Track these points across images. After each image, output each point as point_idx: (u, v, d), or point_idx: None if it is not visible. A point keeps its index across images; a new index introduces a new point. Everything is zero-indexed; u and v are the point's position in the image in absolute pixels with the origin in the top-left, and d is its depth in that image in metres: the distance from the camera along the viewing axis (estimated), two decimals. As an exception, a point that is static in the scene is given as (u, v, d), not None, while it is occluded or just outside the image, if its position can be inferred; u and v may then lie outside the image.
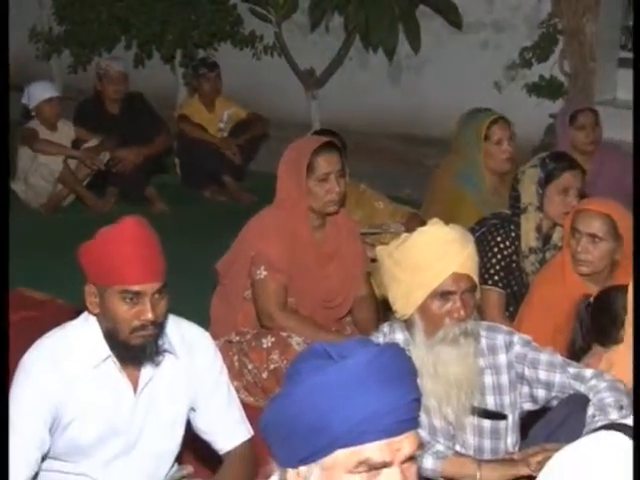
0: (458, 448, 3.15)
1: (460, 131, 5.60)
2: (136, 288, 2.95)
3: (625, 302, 3.58)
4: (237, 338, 4.38)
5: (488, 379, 3.24)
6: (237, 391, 3.82)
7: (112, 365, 3.06)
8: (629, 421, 2.43)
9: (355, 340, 2.00)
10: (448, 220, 3.34)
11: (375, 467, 1.89)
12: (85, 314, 3.10)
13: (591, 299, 3.90)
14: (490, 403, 3.23)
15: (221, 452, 3.25)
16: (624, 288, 3.65)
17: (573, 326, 3.93)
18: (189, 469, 3.36)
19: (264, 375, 4.24)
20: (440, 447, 3.01)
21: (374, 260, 3.53)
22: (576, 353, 3.72)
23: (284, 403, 1.94)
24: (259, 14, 8.66)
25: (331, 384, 1.88)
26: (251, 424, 3.22)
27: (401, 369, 1.94)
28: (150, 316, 2.96)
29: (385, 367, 1.91)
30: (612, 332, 3.75)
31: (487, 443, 3.22)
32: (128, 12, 8.55)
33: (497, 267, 4.56)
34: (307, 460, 1.91)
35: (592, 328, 3.85)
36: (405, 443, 1.90)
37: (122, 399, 3.08)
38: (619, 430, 2.38)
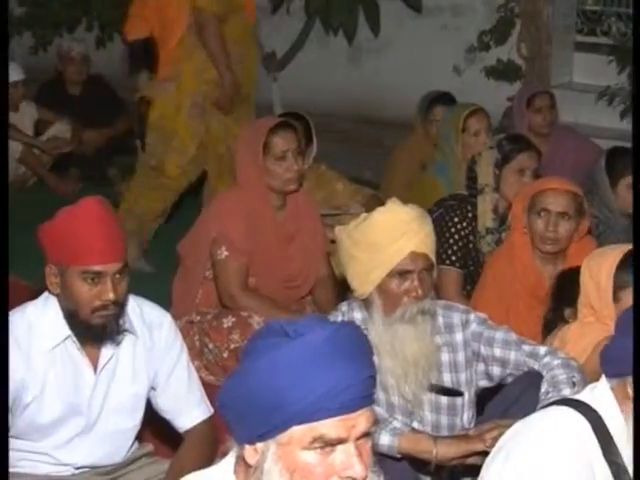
0: (415, 425, 3.17)
1: (441, 124, 5.63)
2: (97, 268, 2.94)
3: (577, 282, 3.62)
4: (198, 318, 4.37)
5: (445, 357, 3.25)
6: (198, 370, 3.83)
7: (72, 345, 3.05)
8: (580, 397, 2.46)
9: (312, 318, 2.00)
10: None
11: (330, 443, 1.89)
12: (45, 294, 3.08)
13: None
14: (447, 380, 3.25)
15: (181, 430, 3.25)
16: (578, 269, 3.70)
17: (548, 301, 3.96)
18: (149, 447, 3.36)
19: (225, 355, 4.24)
20: (397, 424, 3.02)
21: (334, 241, 3.53)
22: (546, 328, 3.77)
23: (241, 380, 1.94)
24: (220, -4, 8.61)
25: (287, 361, 1.89)
26: (212, 403, 3.22)
27: (357, 347, 1.94)
28: (111, 296, 2.96)
29: (341, 345, 1.91)
30: (560, 311, 3.81)
31: (444, 419, 3.24)
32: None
33: (454, 247, 4.58)
34: (264, 436, 1.91)
35: (554, 306, 3.90)
36: (360, 420, 1.91)
37: (82, 378, 3.07)
38: (570, 405, 2.42)
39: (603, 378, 2.42)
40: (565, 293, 3.81)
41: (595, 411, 2.36)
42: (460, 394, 3.25)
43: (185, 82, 5.72)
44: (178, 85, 5.74)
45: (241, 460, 1.98)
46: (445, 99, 6.02)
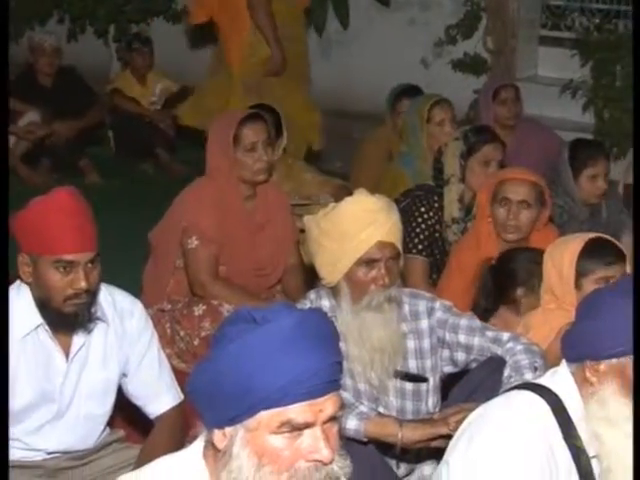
0: (381, 410, 3.17)
1: (406, 114, 5.65)
2: (69, 257, 2.95)
3: (526, 263, 3.65)
4: (169, 306, 4.36)
5: (410, 343, 3.26)
6: (169, 358, 3.83)
7: (44, 333, 3.05)
8: (541, 381, 2.48)
9: (279, 305, 2.00)
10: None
11: (298, 428, 1.90)
12: (17, 282, 3.07)
13: (493, 262, 3.98)
14: (412, 367, 3.26)
15: (152, 416, 3.26)
16: (524, 250, 3.73)
17: (476, 289, 4.00)
18: (120, 433, 3.35)
19: (195, 342, 4.23)
20: (364, 408, 3.03)
21: (303, 231, 3.53)
22: (480, 314, 3.77)
23: (210, 366, 1.95)
24: (191, -11, 8.61)
25: (255, 347, 1.89)
26: (182, 389, 3.22)
27: (323, 333, 1.95)
28: (83, 285, 2.96)
29: (308, 331, 1.92)
30: (510, 292, 3.84)
31: (409, 405, 3.25)
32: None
33: (421, 236, 4.59)
34: (232, 421, 1.91)
35: (493, 290, 3.93)
36: (327, 404, 1.92)
37: (54, 366, 3.07)
38: (531, 389, 2.44)
39: (563, 363, 2.44)
40: (510, 274, 3.84)
41: (555, 395, 2.38)
42: (425, 380, 3.26)
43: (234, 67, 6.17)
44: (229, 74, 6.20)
45: (210, 444, 1.99)
46: (413, 92, 6.03)
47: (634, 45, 4.26)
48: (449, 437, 2.63)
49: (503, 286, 3.89)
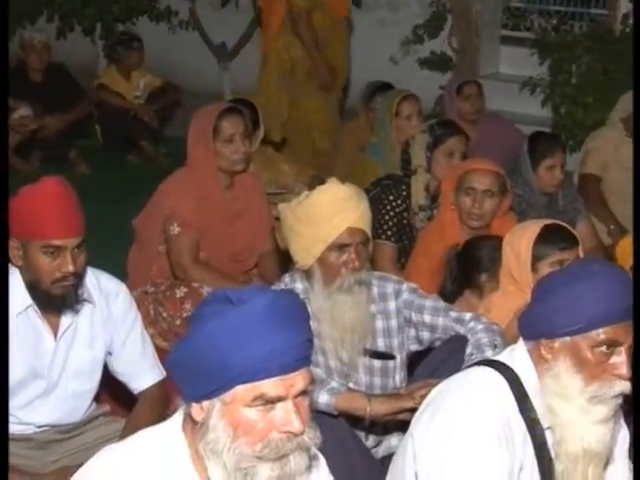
0: (351, 385, 3.17)
1: (375, 108, 5.66)
2: (57, 242, 2.94)
3: (489, 251, 3.66)
4: (152, 289, 4.35)
5: (379, 323, 3.26)
6: (153, 337, 3.83)
7: (34, 313, 3.04)
8: (500, 358, 2.49)
9: (254, 287, 2.01)
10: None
11: (271, 401, 1.90)
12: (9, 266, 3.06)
13: (459, 248, 3.99)
14: (380, 345, 3.26)
15: (136, 392, 3.26)
16: (489, 238, 3.74)
17: (443, 273, 4.01)
18: (106, 408, 3.35)
19: (177, 322, 4.22)
20: (334, 384, 3.03)
21: (278, 218, 3.53)
22: (447, 298, 3.78)
23: (189, 344, 1.95)
24: (174, -10, 8.60)
25: (231, 326, 1.89)
26: (165, 367, 3.21)
27: (295, 313, 1.95)
28: (70, 268, 2.95)
29: (280, 311, 1.92)
30: (475, 277, 3.85)
31: (377, 381, 3.25)
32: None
33: (390, 223, 4.60)
34: (209, 395, 1.92)
35: (459, 274, 3.94)
36: (298, 379, 1.92)
37: (43, 345, 3.07)
38: (491, 366, 2.45)
39: (520, 341, 2.45)
40: (475, 260, 3.85)
41: (513, 371, 2.39)
42: (392, 357, 3.26)
43: (270, 61, 6.33)
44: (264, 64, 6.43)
45: (189, 417, 1.99)
46: (386, 89, 6.03)
47: (634, 46, 4.23)
48: (414, 410, 2.63)
49: (468, 272, 3.90)
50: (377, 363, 3.25)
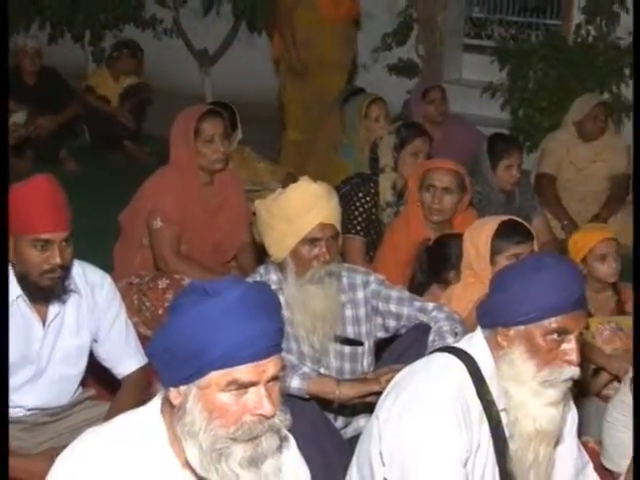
0: (322, 370, 3.17)
1: (344, 111, 5.64)
2: (46, 236, 2.91)
3: (457, 248, 3.66)
4: (137, 280, 4.33)
5: (348, 312, 3.26)
6: (137, 326, 3.82)
7: (23, 303, 3.01)
8: (460, 345, 2.49)
9: (228, 279, 1.99)
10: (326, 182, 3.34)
11: (244, 386, 1.89)
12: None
13: (430, 243, 3.99)
14: (350, 332, 3.26)
15: (119, 377, 3.24)
16: (457, 236, 3.74)
17: (414, 266, 4.01)
18: (92, 392, 3.33)
19: (160, 312, 4.20)
20: (306, 369, 3.02)
21: (255, 213, 3.51)
22: (416, 289, 3.79)
23: (167, 332, 1.94)
24: (159, 0, 8.54)
25: (207, 316, 1.88)
26: (146, 354, 3.20)
27: (266, 303, 1.94)
28: (58, 261, 2.93)
29: (252, 301, 1.91)
30: (443, 273, 3.85)
31: (347, 366, 3.25)
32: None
33: (359, 218, 4.60)
34: (186, 380, 1.90)
35: (428, 268, 3.93)
36: (270, 366, 1.91)
37: (32, 332, 3.04)
38: (451, 352, 2.45)
39: (478, 329, 2.45)
40: (443, 257, 3.85)
41: (471, 356, 2.39)
42: (361, 344, 3.26)
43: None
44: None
45: (167, 401, 1.97)
46: (359, 94, 6.02)
47: (634, 46, 4.22)
48: (380, 393, 2.63)
49: (437, 267, 3.89)
50: (347, 349, 3.25)
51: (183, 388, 1.92)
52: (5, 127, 3.36)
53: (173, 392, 1.93)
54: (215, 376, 1.88)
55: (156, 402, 2.02)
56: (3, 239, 2.86)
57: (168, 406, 1.97)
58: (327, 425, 3.07)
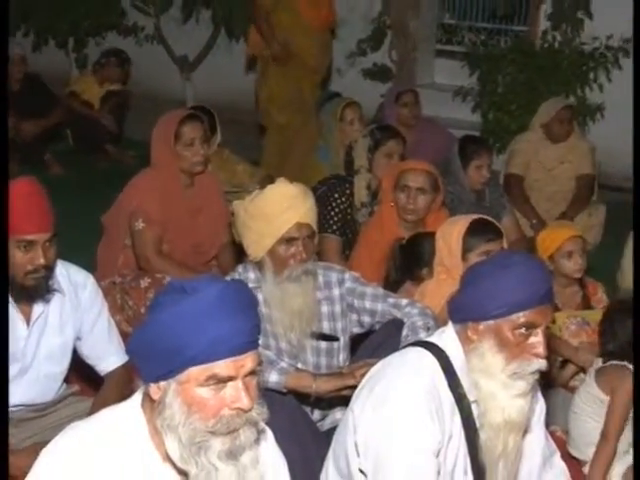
0: (300, 365, 3.16)
1: (320, 114, 5.63)
2: (30, 237, 2.89)
3: (430, 247, 3.67)
4: (119, 279, 4.31)
5: (324, 309, 3.25)
6: (119, 324, 3.80)
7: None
8: (432, 339, 2.49)
9: (206, 277, 1.98)
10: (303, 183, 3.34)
11: (222, 380, 1.89)
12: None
13: (404, 242, 3.99)
14: (326, 328, 3.25)
15: (102, 373, 3.23)
16: (430, 235, 3.74)
17: (388, 263, 4.01)
18: (75, 388, 3.32)
19: (142, 310, 4.18)
20: (284, 364, 3.02)
21: (233, 214, 3.50)
22: (390, 286, 3.79)
23: (147, 330, 1.93)
24: (140, 8, 8.52)
25: (185, 313, 1.88)
26: (126, 351, 3.18)
27: (243, 300, 1.94)
28: (42, 261, 2.91)
29: (230, 299, 1.90)
30: (417, 270, 3.85)
31: (323, 361, 3.24)
32: (26, 4, 8.24)
33: (335, 218, 4.59)
34: (166, 376, 1.90)
35: (402, 266, 3.93)
36: (247, 361, 1.91)
37: (17, 331, 3.01)
38: (423, 346, 2.45)
39: (450, 324, 2.45)
40: (417, 255, 3.85)
41: (443, 350, 2.40)
42: (337, 339, 3.26)
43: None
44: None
45: (147, 396, 1.96)
46: (335, 97, 6.02)
47: (634, 47, 4.22)
48: (356, 387, 2.63)
49: (411, 265, 3.89)
50: (323, 344, 3.24)
51: (163, 383, 1.91)
52: (5, 127, 3.32)
53: (153, 387, 1.93)
54: (194, 371, 1.88)
55: (137, 397, 2.01)
56: (3, 239, 2.83)
57: (148, 401, 1.96)
58: (305, 418, 3.07)
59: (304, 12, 6.18)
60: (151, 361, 1.91)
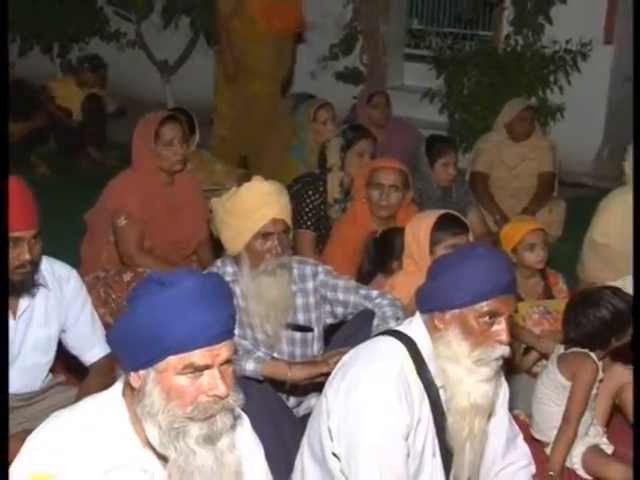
0: (275, 355, 3.16)
1: (294, 115, 5.62)
2: (16, 234, 2.86)
3: (400, 241, 3.67)
4: (103, 274, 4.28)
5: (299, 301, 3.25)
6: (103, 316, 3.78)
7: None
8: (401, 328, 2.49)
9: (183, 271, 1.97)
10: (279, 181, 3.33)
11: (199, 369, 1.88)
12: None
13: (376, 236, 3.99)
14: (300, 319, 3.25)
15: (87, 364, 3.21)
16: (401, 230, 3.74)
17: (362, 256, 4.01)
18: (61, 378, 3.30)
19: (125, 303, 4.11)
20: (260, 354, 3.01)
21: (212, 211, 3.49)
22: (363, 278, 3.78)
23: (127, 321, 1.92)
24: (122, 15, 8.47)
25: (163, 305, 1.87)
26: (107, 341, 3.16)
27: (218, 292, 1.93)
28: (27, 257, 2.88)
29: (206, 291, 1.90)
30: (388, 263, 3.85)
31: (298, 350, 3.24)
32: (12, 10, 8.16)
33: (309, 214, 4.59)
34: (145, 365, 1.89)
35: (374, 259, 3.93)
36: (223, 350, 1.90)
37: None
38: (393, 335, 2.45)
39: (417, 313, 2.46)
40: (389, 249, 3.85)
41: (411, 339, 2.40)
42: (311, 330, 3.25)
43: None
44: None
45: (128, 385, 1.96)
46: (309, 99, 6.01)
47: (634, 48, 4.22)
48: (329, 374, 2.62)
49: (383, 258, 3.89)
50: (298, 335, 3.24)
51: (142, 372, 1.90)
52: (5, 127, 3.28)
53: (133, 376, 1.92)
54: (172, 360, 1.87)
55: (118, 386, 2.00)
56: (3, 239, 2.80)
57: (129, 389, 1.95)
58: (280, 404, 3.06)
59: (259, 19, 6.16)
60: (131, 351, 1.90)
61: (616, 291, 3.29)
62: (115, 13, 8.49)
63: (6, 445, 2.14)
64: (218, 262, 3.29)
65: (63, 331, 3.15)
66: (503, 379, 2.57)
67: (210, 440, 1.89)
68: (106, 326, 3.34)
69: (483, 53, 7.13)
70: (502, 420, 2.57)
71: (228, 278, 3.12)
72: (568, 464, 3.25)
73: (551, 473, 3.14)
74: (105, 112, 7.72)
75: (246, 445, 2.09)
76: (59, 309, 3.09)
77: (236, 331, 2.93)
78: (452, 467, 2.43)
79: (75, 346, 3.19)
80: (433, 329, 2.38)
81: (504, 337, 2.32)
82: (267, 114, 6.24)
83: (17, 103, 7.11)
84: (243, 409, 2.04)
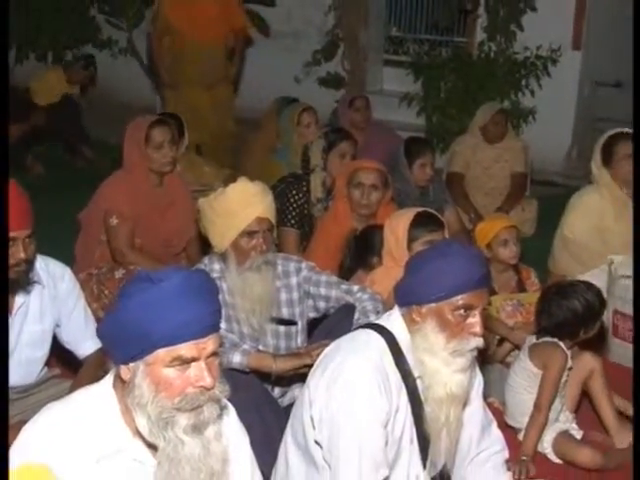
0: (261, 347, 3.15)
1: (279, 119, 5.60)
2: (11, 234, 2.84)
3: (380, 238, 3.67)
4: (96, 271, 4.26)
5: (283, 296, 3.24)
6: (96, 311, 3.75)
7: None
8: (380, 321, 2.49)
9: (170, 268, 1.97)
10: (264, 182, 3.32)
11: (186, 361, 1.88)
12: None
13: (357, 233, 3.99)
14: (284, 313, 3.24)
15: (80, 357, 3.19)
16: (380, 227, 3.75)
17: (343, 252, 4.00)
18: (56, 371, 3.28)
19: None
20: (246, 347, 3.01)
21: (199, 210, 3.47)
22: (344, 274, 3.78)
23: (117, 316, 1.91)
24: (114, 23, 8.43)
25: (152, 300, 1.86)
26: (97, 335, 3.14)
27: (204, 287, 1.93)
28: (22, 255, 2.86)
29: (192, 287, 1.89)
30: (368, 259, 3.85)
31: (282, 343, 3.23)
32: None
33: (293, 213, 4.58)
34: (135, 358, 1.88)
35: (355, 255, 3.93)
36: (209, 343, 1.90)
37: None
38: (372, 328, 2.45)
39: (396, 307, 2.46)
40: (369, 245, 3.85)
41: (390, 332, 2.40)
42: (295, 324, 3.25)
43: None
44: None
45: (118, 377, 1.95)
46: (293, 103, 5.99)
47: (634, 48, 4.22)
48: (312, 366, 2.62)
49: (363, 254, 3.88)
50: (282, 328, 3.24)
51: (132, 365, 1.89)
52: (5, 127, 3.26)
53: (123, 369, 1.91)
54: (160, 353, 1.86)
55: (108, 379, 1.99)
56: (3, 239, 2.78)
57: (119, 382, 1.95)
58: (266, 395, 3.06)
59: (189, 33, 6.16)
60: (121, 344, 1.89)
61: (590, 286, 3.31)
62: (107, 22, 8.45)
63: (6, 436, 2.13)
64: (205, 259, 3.28)
65: (57, 326, 3.13)
66: (478, 369, 2.58)
67: (197, 429, 1.89)
68: (99, 321, 3.31)
69: (458, 59, 7.15)
70: (477, 408, 2.58)
71: (215, 275, 3.11)
72: (540, 449, 3.26)
73: (524, 458, 3.14)
74: (79, 110, 7.61)
75: (232, 434, 2.09)
76: (53, 305, 3.08)
77: (223, 325, 2.96)
78: (429, 454, 2.43)
79: (69, 340, 3.17)
80: (411, 322, 2.38)
81: (478, 329, 2.32)
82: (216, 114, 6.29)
83: (13, 107, 7.07)
84: (229, 399, 2.04)
